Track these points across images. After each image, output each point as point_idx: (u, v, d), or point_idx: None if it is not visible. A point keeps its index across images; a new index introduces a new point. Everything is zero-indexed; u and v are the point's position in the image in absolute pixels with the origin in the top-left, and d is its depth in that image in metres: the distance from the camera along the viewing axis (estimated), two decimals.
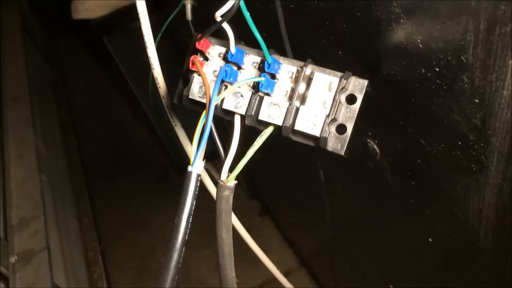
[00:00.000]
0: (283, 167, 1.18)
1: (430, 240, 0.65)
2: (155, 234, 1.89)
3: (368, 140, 0.60)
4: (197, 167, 0.44)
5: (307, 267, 1.66)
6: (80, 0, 1.40)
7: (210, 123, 0.45)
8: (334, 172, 0.79)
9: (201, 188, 0.47)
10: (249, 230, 0.77)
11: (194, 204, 0.45)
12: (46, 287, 1.17)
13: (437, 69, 0.43)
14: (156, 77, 0.56)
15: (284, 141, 0.48)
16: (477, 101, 0.41)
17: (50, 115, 2.03)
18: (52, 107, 2.14)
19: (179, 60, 0.55)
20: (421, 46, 0.43)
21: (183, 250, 0.45)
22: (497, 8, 0.35)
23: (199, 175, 0.45)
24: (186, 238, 0.46)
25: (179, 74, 0.51)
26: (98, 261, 1.77)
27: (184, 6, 0.85)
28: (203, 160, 0.45)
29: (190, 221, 0.46)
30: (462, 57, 0.39)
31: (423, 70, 0.44)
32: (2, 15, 2.04)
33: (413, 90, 0.48)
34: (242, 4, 0.41)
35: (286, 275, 1.70)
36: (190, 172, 0.44)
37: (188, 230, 0.46)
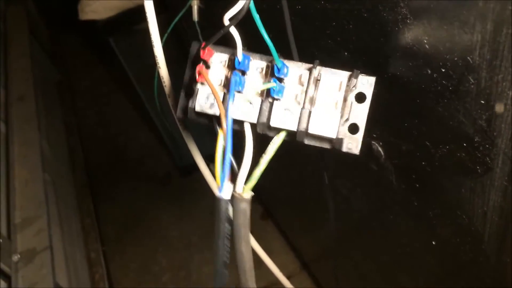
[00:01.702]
0: (286, 170, 1.18)
1: (433, 243, 0.65)
2: (157, 236, 1.89)
3: (373, 142, 0.60)
4: (225, 192, 0.44)
5: (309, 271, 1.66)
6: (86, 1, 1.41)
7: (230, 143, 0.43)
8: (338, 175, 0.79)
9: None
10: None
11: (227, 227, 0.45)
12: (48, 287, 1.17)
13: (444, 70, 0.43)
14: (162, 76, 0.56)
15: (288, 144, 0.48)
16: (483, 102, 0.41)
17: (54, 116, 2.04)
18: (57, 108, 2.15)
19: (184, 61, 0.55)
20: (427, 47, 0.43)
21: (225, 272, 0.46)
22: (504, 8, 0.35)
23: (228, 200, 0.44)
24: (226, 260, 0.46)
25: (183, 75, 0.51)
26: (100, 262, 1.77)
27: (190, 7, 0.86)
28: (230, 181, 0.44)
29: (227, 243, 0.46)
30: (468, 58, 0.40)
31: (430, 71, 0.45)
32: (9, 16, 2.05)
33: (419, 91, 0.48)
34: (252, 5, 0.40)
35: (288, 278, 1.69)
36: (220, 198, 0.44)
37: (228, 253, 0.46)
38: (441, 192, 0.56)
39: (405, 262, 0.78)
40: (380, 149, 0.60)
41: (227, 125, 0.43)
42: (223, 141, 0.43)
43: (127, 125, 2.28)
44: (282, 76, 0.46)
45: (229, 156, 0.42)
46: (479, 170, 0.47)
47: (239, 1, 0.40)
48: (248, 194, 0.45)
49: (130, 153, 2.20)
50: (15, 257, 1.20)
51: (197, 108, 0.47)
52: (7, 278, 1.19)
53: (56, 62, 2.44)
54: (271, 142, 0.47)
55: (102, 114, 2.39)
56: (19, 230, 1.24)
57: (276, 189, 1.52)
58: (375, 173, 0.65)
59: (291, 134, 0.47)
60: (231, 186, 0.44)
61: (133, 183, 2.07)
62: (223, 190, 0.43)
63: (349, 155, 0.46)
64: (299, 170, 1.06)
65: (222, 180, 0.43)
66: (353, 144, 0.46)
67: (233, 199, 0.45)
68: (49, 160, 1.60)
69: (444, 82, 0.44)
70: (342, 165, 0.74)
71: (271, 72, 0.46)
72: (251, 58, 0.46)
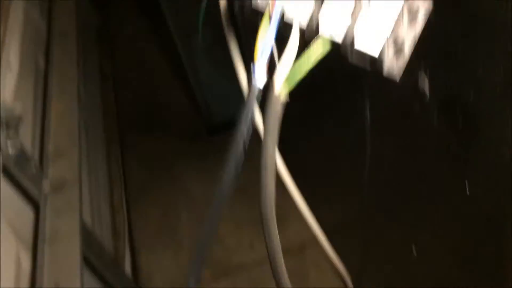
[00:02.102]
0: (318, 131, 1.17)
1: (468, 194, 0.63)
2: (180, 190, 1.92)
3: (419, 72, 0.58)
4: (259, 78, 0.47)
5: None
6: None
7: (274, 27, 0.45)
8: (376, 122, 0.78)
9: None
10: None
11: (253, 112, 0.50)
12: (75, 219, 1.20)
13: None
14: None
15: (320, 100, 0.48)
16: None
17: (90, 61, 2.06)
18: (94, 53, 2.17)
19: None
20: None
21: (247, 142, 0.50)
22: None
23: (260, 89, 0.48)
24: (246, 140, 0.51)
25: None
26: (123, 208, 1.80)
27: None
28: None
29: (250, 128, 0.50)
30: None
31: None
32: None
33: (484, 10, 0.46)
34: None
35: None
36: (254, 84, 0.47)
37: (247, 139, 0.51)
38: (487, 134, 0.55)
39: (436, 216, 0.77)
40: (426, 83, 0.58)
41: (275, 7, 0.44)
42: (267, 23, 0.45)
43: (162, 79, 2.30)
44: None
45: (272, 37, 0.45)
46: None
47: None
48: (283, 97, 0.49)
49: (161, 107, 2.23)
50: (46, 185, 1.22)
51: (253, 5, 0.48)
52: (36, 207, 1.22)
53: (98, 7, 2.45)
54: (317, 41, 0.47)
55: (138, 66, 2.40)
56: (51, 159, 1.27)
57: (305, 154, 1.51)
58: (416, 114, 0.64)
59: (337, 47, 0.47)
60: (265, 73, 0.47)
61: (161, 136, 2.10)
62: (257, 74, 0.47)
63: (389, 84, 0.46)
64: (333, 129, 1.05)
65: (259, 62, 0.46)
66: (394, 69, 0.45)
67: (271, 98, 0.48)
68: (82, 103, 1.63)
69: None
70: (382, 106, 0.73)
71: None
72: None
